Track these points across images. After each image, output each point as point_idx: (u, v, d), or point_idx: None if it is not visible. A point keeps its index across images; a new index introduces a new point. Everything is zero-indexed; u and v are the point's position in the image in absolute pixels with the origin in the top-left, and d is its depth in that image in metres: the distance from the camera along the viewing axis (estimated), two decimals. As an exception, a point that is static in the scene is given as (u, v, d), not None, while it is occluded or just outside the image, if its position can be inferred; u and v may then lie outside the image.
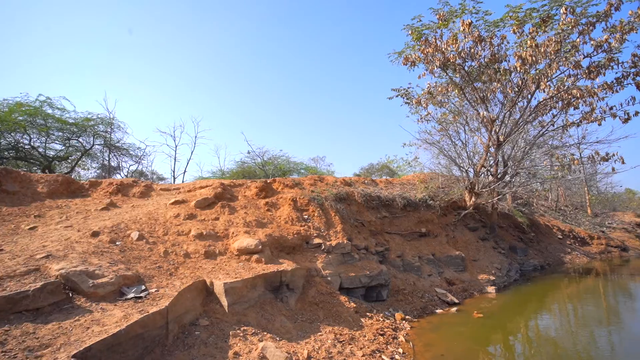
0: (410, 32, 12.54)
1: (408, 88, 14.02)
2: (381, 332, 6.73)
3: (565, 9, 10.44)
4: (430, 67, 12.93)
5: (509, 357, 6.40)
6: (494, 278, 11.43)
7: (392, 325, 7.21)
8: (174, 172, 21.03)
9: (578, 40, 10.84)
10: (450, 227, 12.97)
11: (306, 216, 9.36)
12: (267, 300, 6.46)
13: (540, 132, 13.62)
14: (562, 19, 10.66)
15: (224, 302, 5.69)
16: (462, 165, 13.32)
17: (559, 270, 15.41)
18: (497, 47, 12.16)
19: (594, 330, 7.65)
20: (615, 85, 11.34)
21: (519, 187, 15.77)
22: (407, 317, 7.97)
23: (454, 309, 8.88)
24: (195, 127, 20.78)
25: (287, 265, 7.12)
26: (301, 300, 7.02)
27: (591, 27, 10.68)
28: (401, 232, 11.18)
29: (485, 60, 12.42)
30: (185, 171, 21.36)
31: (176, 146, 21.34)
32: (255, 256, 7.08)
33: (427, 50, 12.33)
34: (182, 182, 19.53)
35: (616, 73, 11.53)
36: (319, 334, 6.13)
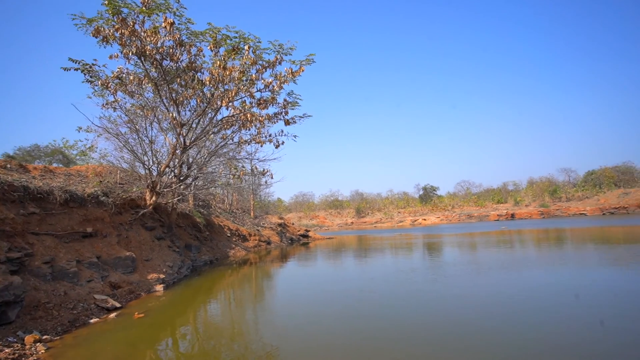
0: (107, 2, 10.90)
1: (93, 65, 12.02)
2: (-5, 366, 5.09)
3: (249, 47, 12.69)
4: (125, 51, 11.76)
5: (172, 349, 6.43)
6: (164, 276, 11.67)
7: (14, 353, 5.61)
8: None
9: (255, 76, 13.44)
10: (125, 226, 12.05)
11: None
12: None
13: (222, 144, 15.62)
14: (246, 53, 12.85)
15: None
16: (146, 162, 12.85)
17: (225, 263, 18.09)
18: (194, 57, 12.87)
19: (246, 310, 9.29)
20: (273, 118, 14.94)
21: (200, 190, 17.20)
22: (45, 337, 6.49)
23: (113, 315, 8.20)
24: None
25: None
26: None
27: (264, 70, 13.56)
28: (57, 232, 9.10)
29: (183, 65, 12.83)
30: None
31: None
32: None
33: (124, 31, 11.18)
34: None
35: (276, 109, 15.26)
36: None
